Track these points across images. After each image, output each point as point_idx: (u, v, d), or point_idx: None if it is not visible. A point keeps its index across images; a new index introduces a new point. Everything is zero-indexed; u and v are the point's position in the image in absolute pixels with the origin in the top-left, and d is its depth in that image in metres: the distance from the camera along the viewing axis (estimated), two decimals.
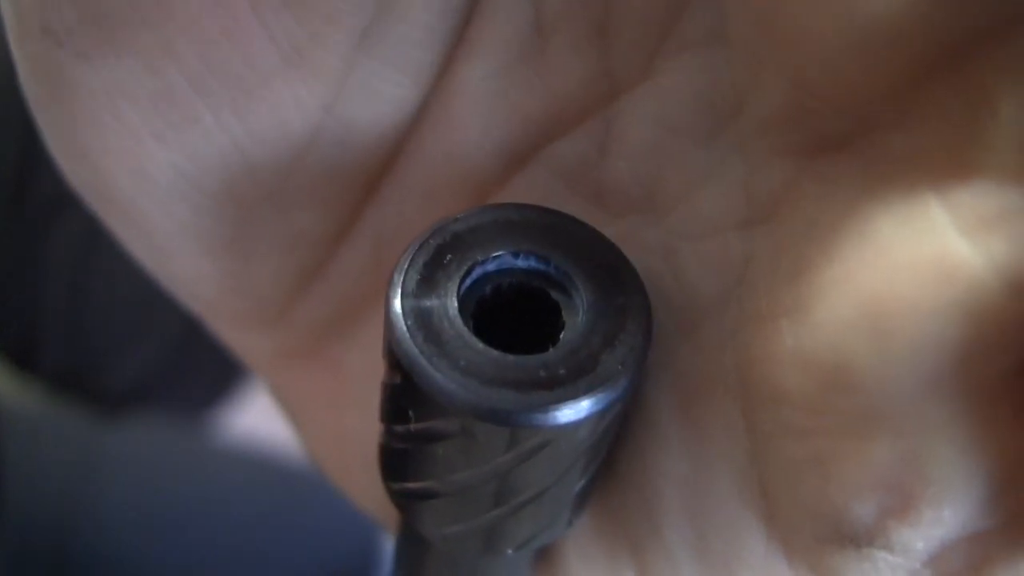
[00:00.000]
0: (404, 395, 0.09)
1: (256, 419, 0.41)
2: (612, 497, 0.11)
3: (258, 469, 0.40)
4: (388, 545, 0.42)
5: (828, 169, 0.08)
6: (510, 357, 0.08)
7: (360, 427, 0.13)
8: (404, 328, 0.08)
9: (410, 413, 0.09)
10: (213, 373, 0.39)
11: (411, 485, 0.10)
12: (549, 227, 0.09)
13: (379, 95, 0.10)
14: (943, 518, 0.08)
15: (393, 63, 0.10)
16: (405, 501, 0.10)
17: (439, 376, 0.08)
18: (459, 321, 0.09)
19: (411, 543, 0.12)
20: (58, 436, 0.37)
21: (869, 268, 0.08)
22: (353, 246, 0.12)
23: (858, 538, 0.08)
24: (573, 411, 0.08)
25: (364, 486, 0.14)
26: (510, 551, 0.10)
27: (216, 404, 0.39)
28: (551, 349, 0.09)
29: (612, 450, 0.10)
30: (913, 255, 0.07)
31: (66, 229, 0.36)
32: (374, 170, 0.11)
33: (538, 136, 0.10)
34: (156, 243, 0.12)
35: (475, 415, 0.08)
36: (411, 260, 0.09)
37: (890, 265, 0.07)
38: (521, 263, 0.09)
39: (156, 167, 0.11)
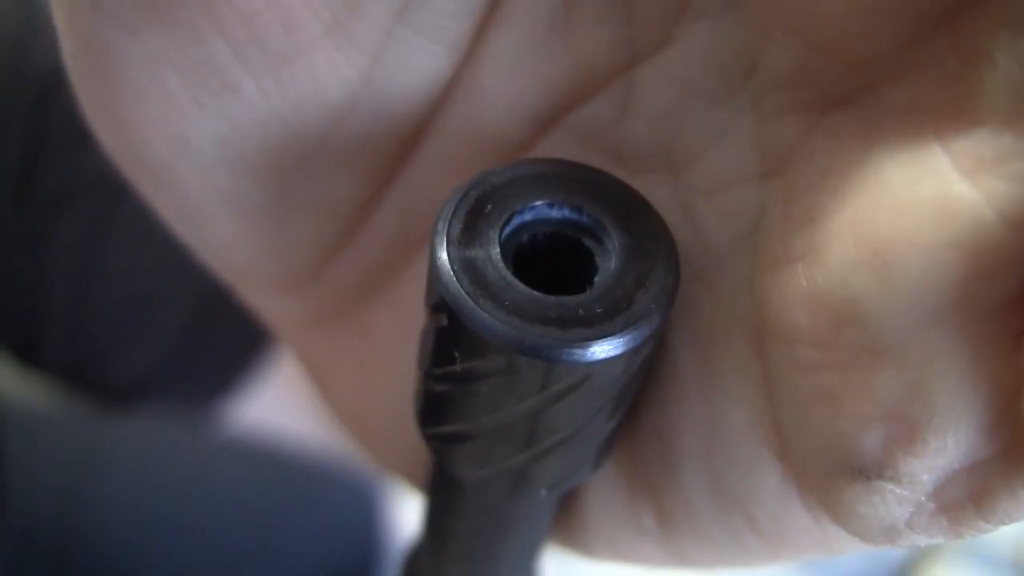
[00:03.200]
0: (450, 337, 0.09)
1: (258, 414, 0.41)
2: (632, 443, 0.12)
3: (259, 465, 0.40)
4: (388, 544, 0.43)
5: (836, 123, 0.09)
6: (551, 298, 0.09)
7: (386, 388, 0.14)
8: (451, 273, 0.09)
9: (455, 354, 0.09)
10: (216, 369, 0.39)
11: (449, 428, 0.10)
12: (580, 179, 0.10)
13: (414, 65, 0.11)
14: (946, 446, 0.08)
15: (428, 34, 0.10)
16: (441, 445, 0.11)
17: (485, 315, 0.09)
18: (502, 266, 0.09)
19: (442, 489, 0.13)
20: (60, 433, 0.37)
21: (876, 211, 0.08)
22: (383, 212, 0.12)
23: (867, 470, 0.09)
24: (611, 346, 0.09)
25: (389, 447, 0.14)
26: (541, 492, 0.11)
27: (219, 399, 0.39)
28: (588, 291, 0.09)
29: (638, 393, 0.11)
30: (916, 196, 0.08)
31: (70, 225, 0.36)
32: (406, 138, 0.12)
33: (562, 102, 0.11)
34: (192, 209, 0.12)
35: (519, 351, 0.09)
36: (454, 210, 0.10)
37: (895, 207, 0.08)
38: (556, 213, 0.10)
39: (196, 134, 0.11)
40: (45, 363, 0.37)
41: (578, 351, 0.09)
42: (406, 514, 0.46)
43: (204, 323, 0.38)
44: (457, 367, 0.09)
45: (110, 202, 0.36)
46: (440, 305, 0.09)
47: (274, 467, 0.41)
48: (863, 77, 0.09)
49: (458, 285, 0.09)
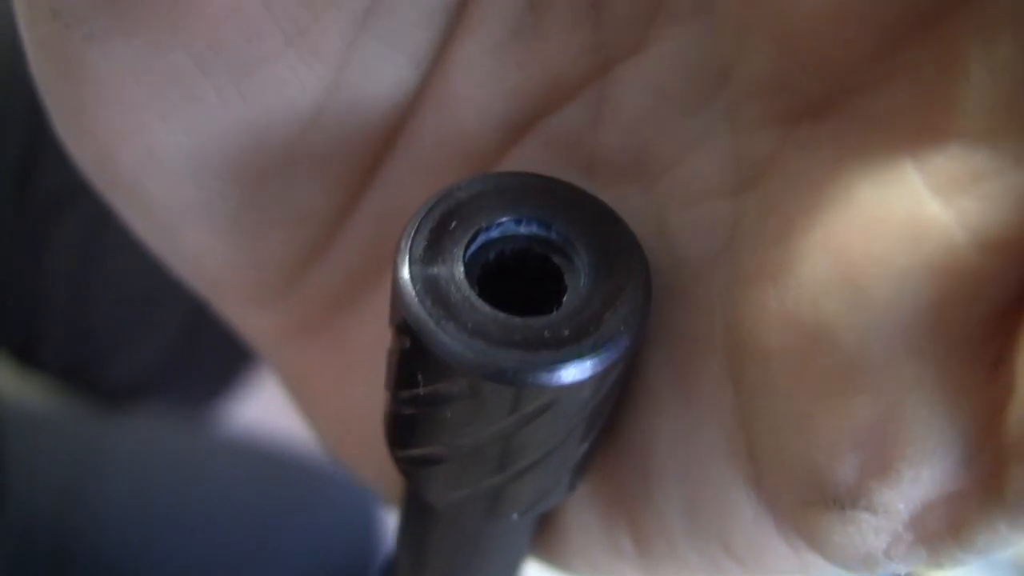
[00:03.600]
0: (413, 360, 0.09)
1: (257, 414, 0.41)
2: (608, 463, 0.11)
3: (259, 465, 0.40)
4: (388, 544, 0.43)
5: (810, 135, 0.09)
6: (516, 319, 0.09)
7: (364, 400, 0.13)
8: (413, 293, 0.09)
9: (419, 377, 0.09)
10: (215, 368, 0.39)
11: (417, 451, 0.10)
12: (548, 193, 0.10)
13: (379, 74, 0.10)
14: (921, 477, 0.08)
15: (392, 43, 0.10)
16: (411, 468, 0.11)
17: (447, 338, 0.08)
18: (465, 285, 0.09)
19: (416, 510, 0.12)
20: (59, 433, 0.37)
21: (847, 230, 0.08)
22: (356, 222, 0.12)
23: (841, 499, 0.09)
24: (578, 370, 0.08)
25: (367, 458, 0.14)
26: (514, 516, 0.11)
27: (218, 399, 0.39)
28: (555, 311, 0.09)
29: (612, 414, 0.10)
30: (888, 216, 0.08)
31: (69, 225, 0.36)
32: (376, 147, 0.11)
33: (533, 110, 0.11)
34: (162, 221, 0.12)
35: (483, 375, 0.08)
36: (417, 227, 0.09)
37: (867, 226, 0.08)
38: (523, 229, 0.10)
39: (162, 146, 0.11)
40: (44, 363, 0.38)
41: (544, 375, 0.08)
42: None
43: (203, 323, 0.38)
44: (421, 390, 0.09)
45: (106, 204, 0.36)
46: (403, 326, 0.09)
47: (274, 467, 0.41)
48: (838, 86, 0.08)
49: (420, 306, 0.09)
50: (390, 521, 0.43)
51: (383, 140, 0.11)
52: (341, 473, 0.42)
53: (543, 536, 0.13)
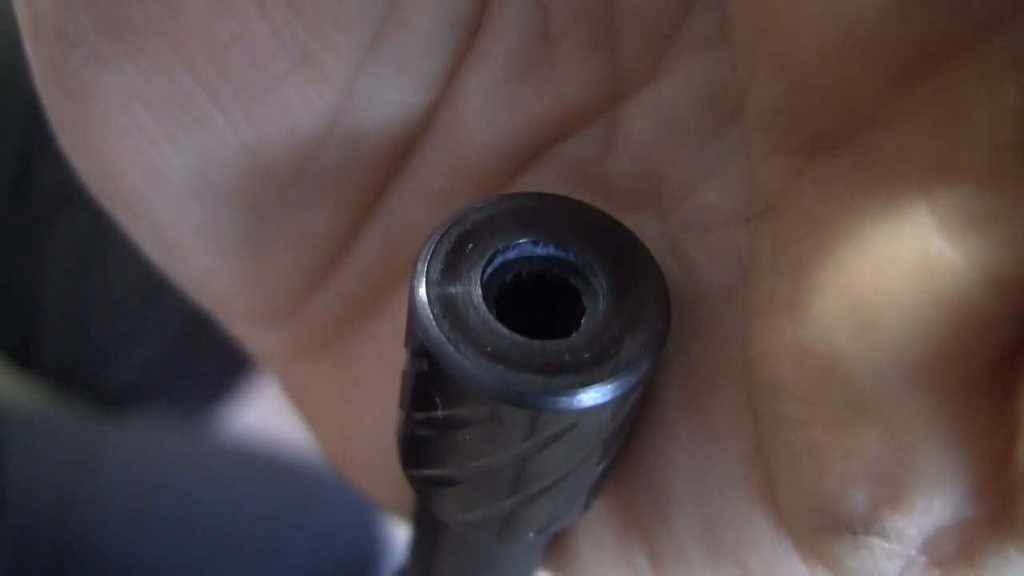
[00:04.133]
0: (431, 382, 0.09)
1: (256, 417, 0.41)
2: (623, 485, 0.11)
3: (258, 468, 0.40)
4: (388, 544, 0.43)
5: (824, 167, 0.09)
6: (535, 343, 0.09)
7: (370, 420, 0.13)
8: (431, 316, 0.09)
9: (436, 400, 0.09)
10: (214, 371, 0.39)
11: (432, 472, 0.10)
12: (566, 214, 0.10)
13: (387, 99, 0.10)
14: (933, 507, 0.08)
15: (401, 69, 0.10)
16: (424, 487, 0.11)
17: (467, 363, 0.08)
18: (484, 308, 0.09)
19: (427, 528, 0.12)
20: (58, 436, 0.37)
21: (858, 265, 0.08)
22: (362, 245, 0.12)
23: (854, 526, 0.09)
24: (599, 394, 0.08)
25: (374, 478, 0.14)
26: (529, 535, 0.11)
27: (217, 402, 0.39)
28: (574, 334, 0.09)
29: (628, 435, 0.10)
30: (899, 254, 0.08)
31: (67, 227, 0.36)
32: (383, 171, 0.11)
33: (544, 138, 0.11)
34: (168, 242, 0.12)
35: (503, 400, 0.08)
36: (434, 249, 0.09)
37: (878, 263, 0.08)
38: (541, 251, 0.09)
39: (168, 167, 0.11)
40: (43, 365, 0.37)
41: (564, 399, 0.08)
42: None
43: (202, 326, 0.37)
44: (439, 413, 0.09)
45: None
46: (420, 350, 0.09)
47: (273, 469, 0.41)
48: (848, 120, 0.08)
49: (438, 330, 0.09)
50: (390, 523, 0.43)
51: (390, 164, 0.11)
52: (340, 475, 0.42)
53: (555, 552, 0.13)
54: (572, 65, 0.10)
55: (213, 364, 0.39)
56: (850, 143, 0.08)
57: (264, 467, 0.41)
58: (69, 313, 0.37)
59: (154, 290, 0.37)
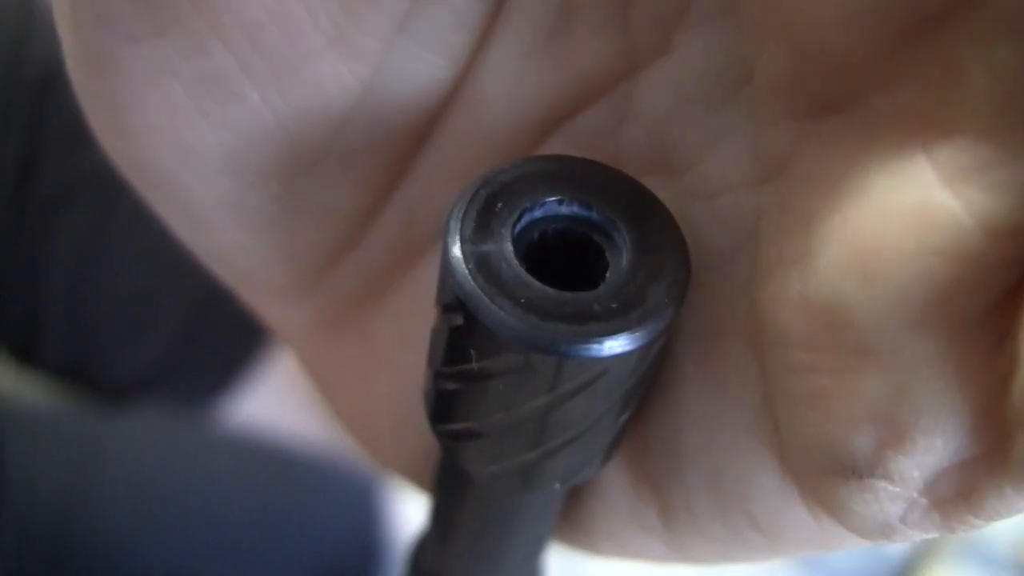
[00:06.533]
0: (465, 335, 0.09)
1: (258, 412, 0.41)
2: (636, 441, 0.12)
3: (259, 462, 0.40)
4: (389, 537, 0.43)
5: (827, 130, 0.09)
6: (566, 294, 0.09)
7: (389, 391, 0.14)
8: (465, 271, 0.09)
9: (471, 352, 0.09)
10: (215, 367, 0.39)
11: (462, 425, 0.10)
12: (589, 176, 0.10)
13: (414, 74, 0.11)
14: (935, 446, 0.09)
15: (429, 45, 0.11)
16: (453, 442, 0.11)
17: (502, 314, 0.09)
18: (516, 263, 0.09)
19: (451, 486, 0.13)
20: (59, 433, 0.37)
21: (863, 218, 0.08)
22: (384, 219, 0.13)
23: (859, 469, 0.09)
24: (628, 341, 0.09)
25: (392, 449, 0.15)
26: (555, 486, 0.11)
27: (218, 397, 0.39)
28: (601, 286, 0.09)
29: (646, 390, 0.11)
30: (901, 205, 0.08)
31: (69, 223, 0.36)
32: (407, 145, 0.12)
33: (561, 110, 0.11)
34: (197, 217, 0.12)
35: (536, 348, 0.09)
36: (466, 208, 0.10)
37: (881, 214, 0.08)
38: (565, 210, 0.10)
39: (201, 144, 0.11)
40: (44, 361, 0.38)
41: (595, 346, 0.09)
42: (407, 510, 0.47)
43: (203, 321, 0.38)
44: (473, 365, 0.09)
45: (108, 200, 0.36)
46: (454, 304, 0.09)
47: (274, 464, 0.41)
48: (852, 84, 0.09)
49: (473, 283, 0.09)
50: (391, 517, 0.44)
51: (414, 138, 0.12)
52: (341, 469, 0.42)
53: (568, 518, 0.14)
54: (589, 39, 0.11)
55: (215, 360, 0.39)
56: (852, 106, 0.09)
57: (265, 462, 0.41)
58: (71, 309, 0.37)
59: (156, 286, 0.38)
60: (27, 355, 0.38)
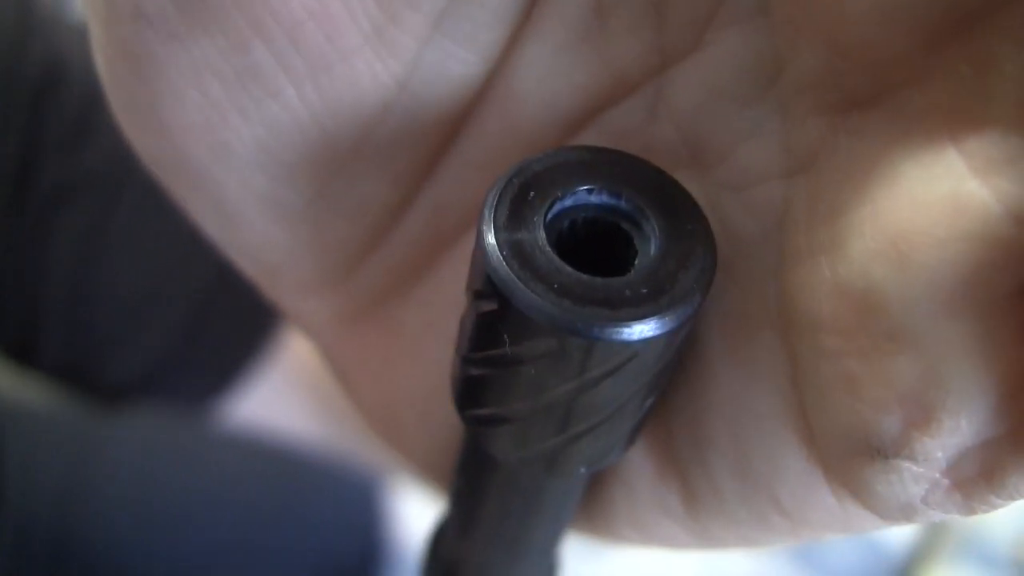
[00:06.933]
0: (499, 320, 0.10)
1: (257, 412, 0.41)
2: (661, 427, 0.12)
3: (259, 462, 0.40)
4: (390, 537, 0.43)
5: (859, 124, 0.09)
6: (598, 279, 0.09)
7: (413, 383, 0.14)
8: (500, 257, 0.09)
9: (504, 337, 0.10)
10: (215, 367, 0.39)
11: (490, 410, 0.11)
12: (617, 165, 0.10)
13: (448, 72, 0.11)
14: (960, 427, 0.09)
15: (464, 43, 0.11)
16: (482, 427, 0.11)
17: (537, 298, 0.09)
18: (549, 250, 0.10)
19: (475, 471, 0.13)
20: (58, 432, 0.37)
21: (895, 206, 0.09)
22: (414, 214, 0.13)
23: (886, 450, 0.09)
24: (659, 324, 0.09)
25: (414, 441, 0.15)
26: (581, 470, 0.11)
27: (218, 397, 0.39)
28: (631, 272, 0.10)
29: (672, 374, 0.11)
30: (932, 194, 0.09)
31: (69, 223, 0.36)
32: (439, 141, 0.12)
33: (593, 106, 0.11)
34: (228, 212, 0.13)
35: (570, 331, 0.09)
36: (499, 197, 0.10)
37: (913, 202, 0.09)
38: (595, 199, 0.10)
39: (237, 140, 0.11)
40: (43, 361, 0.37)
41: (627, 330, 0.09)
42: (408, 509, 0.47)
43: (202, 321, 0.38)
44: (506, 350, 0.10)
45: (108, 200, 0.36)
46: (488, 290, 0.10)
47: (274, 463, 0.41)
48: (883, 81, 0.09)
49: (508, 269, 0.09)
50: (392, 518, 0.44)
51: (446, 134, 0.12)
52: (342, 469, 0.42)
53: (590, 506, 0.14)
54: (622, 37, 0.11)
55: (214, 359, 0.39)
56: (883, 101, 0.09)
57: (264, 462, 0.41)
58: (70, 309, 0.37)
59: (156, 287, 0.38)
60: (26, 355, 0.37)
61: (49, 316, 0.37)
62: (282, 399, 0.41)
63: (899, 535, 0.59)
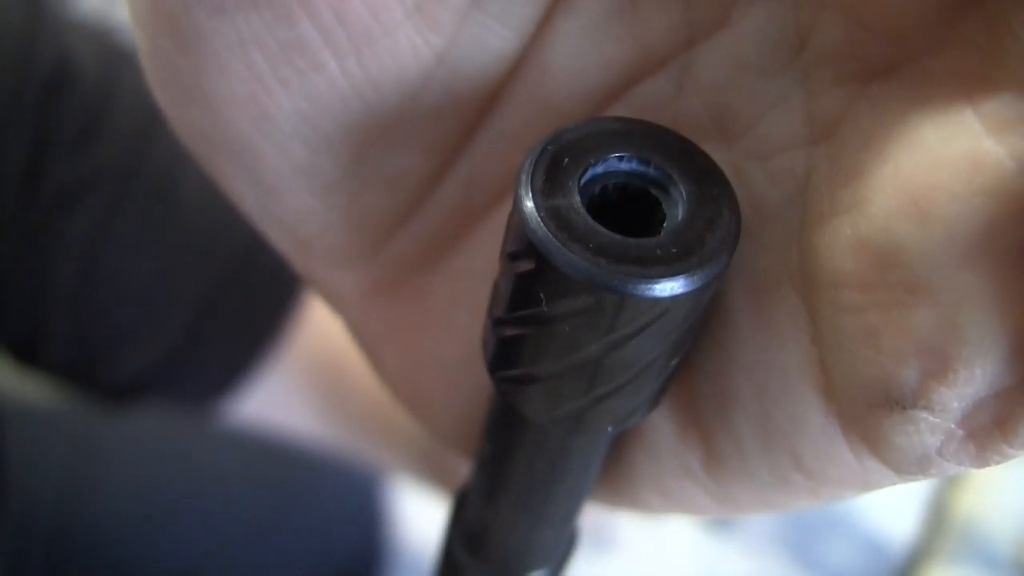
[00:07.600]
0: (536, 280, 0.10)
1: (259, 411, 0.41)
2: (685, 388, 0.13)
3: (261, 461, 0.41)
4: (392, 535, 0.43)
5: (880, 92, 0.10)
6: (630, 240, 0.10)
7: (442, 352, 0.14)
8: (538, 218, 0.10)
9: (541, 296, 0.10)
10: (218, 366, 0.39)
11: (523, 370, 0.11)
12: (647, 134, 0.11)
13: (485, 47, 0.12)
14: (975, 376, 0.10)
15: (501, 18, 0.11)
16: (514, 388, 0.12)
17: (575, 257, 0.10)
18: (584, 212, 0.10)
19: (503, 430, 0.13)
20: (60, 431, 0.37)
21: (914, 165, 0.09)
22: (447, 185, 0.13)
23: (904, 400, 0.10)
24: (688, 282, 0.10)
25: (440, 412, 0.15)
26: (607, 430, 0.12)
27: (221, 397, 0.40)
28: (662, 233, 0.10)
29: (698, 334, 0.12)
30: (950, 152, 0.09)
31: (74, 222, 0.36)
32: (473, 115, 0.13)
33: (622, 81, 0.12)
34: (266, 183, 0.13)
35: (607, 288, 0.10)
36: (535, 163, 0.10)
37: (932, 161, 0.09)
38: (625, 165, 0.11)
39: (279, 111, 0.12)
40: (48, 359, 0.38)
41: (659, 286, 0.10)
42: (408, 509, 0.47)
43: (206, 322, 0.38)
44: (543, 308, 0.10)
45: (113, 201, 0.37)
46: (526, 251, 0.10)
47: (275, 461, 0.41)
48: (903, 50, 0.10)
49: (546, 230, 0.10)
50: (392, 517, 0.44)
51: (480, 107, 0.12)
52: (343, 467, 0.43)
53: (612, 474, 0.14)
54: (652, 14, 0.11)
55: (218, 359, 0.39)
56: (902, 70, 0.10)
57: (266, 461, 0.41)
58: (75, 308, 0.37)
59: (160, 286, 0.38)
60: (30, 354, 0.38)
61: (55, 314, 0.37)
62: (285, 399, 0.41)
63: (899, 535, 0.60)
